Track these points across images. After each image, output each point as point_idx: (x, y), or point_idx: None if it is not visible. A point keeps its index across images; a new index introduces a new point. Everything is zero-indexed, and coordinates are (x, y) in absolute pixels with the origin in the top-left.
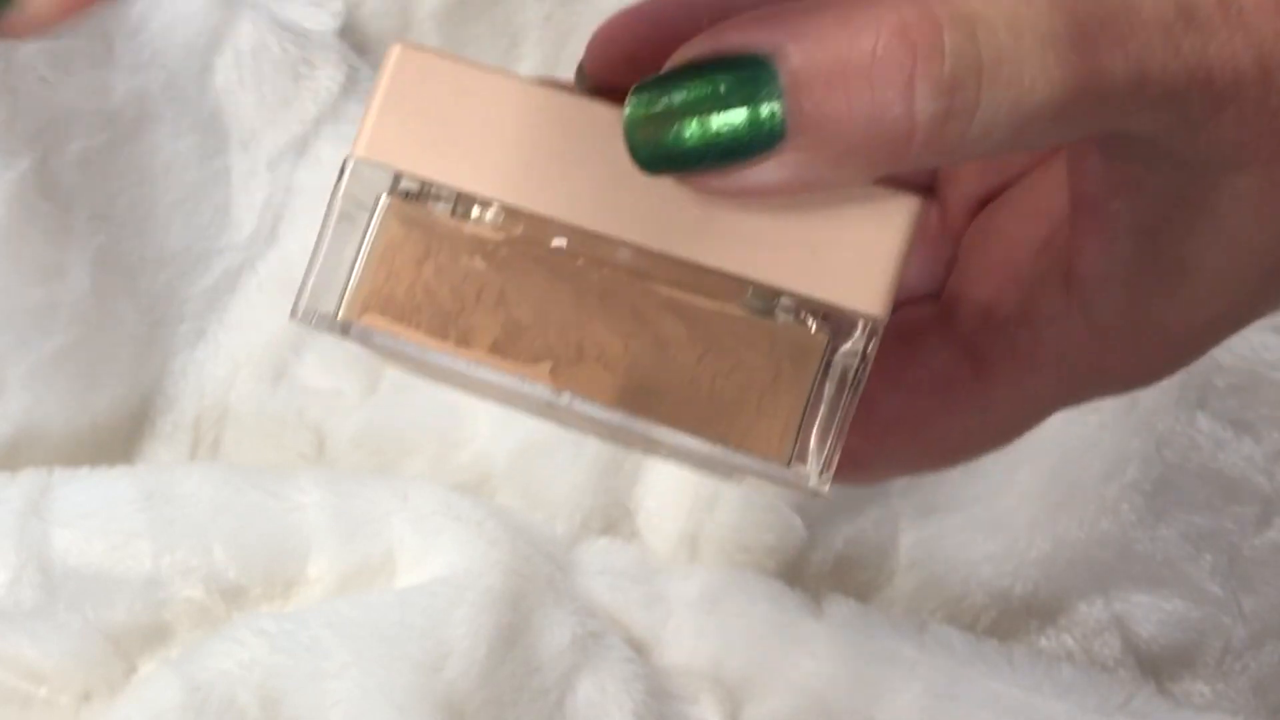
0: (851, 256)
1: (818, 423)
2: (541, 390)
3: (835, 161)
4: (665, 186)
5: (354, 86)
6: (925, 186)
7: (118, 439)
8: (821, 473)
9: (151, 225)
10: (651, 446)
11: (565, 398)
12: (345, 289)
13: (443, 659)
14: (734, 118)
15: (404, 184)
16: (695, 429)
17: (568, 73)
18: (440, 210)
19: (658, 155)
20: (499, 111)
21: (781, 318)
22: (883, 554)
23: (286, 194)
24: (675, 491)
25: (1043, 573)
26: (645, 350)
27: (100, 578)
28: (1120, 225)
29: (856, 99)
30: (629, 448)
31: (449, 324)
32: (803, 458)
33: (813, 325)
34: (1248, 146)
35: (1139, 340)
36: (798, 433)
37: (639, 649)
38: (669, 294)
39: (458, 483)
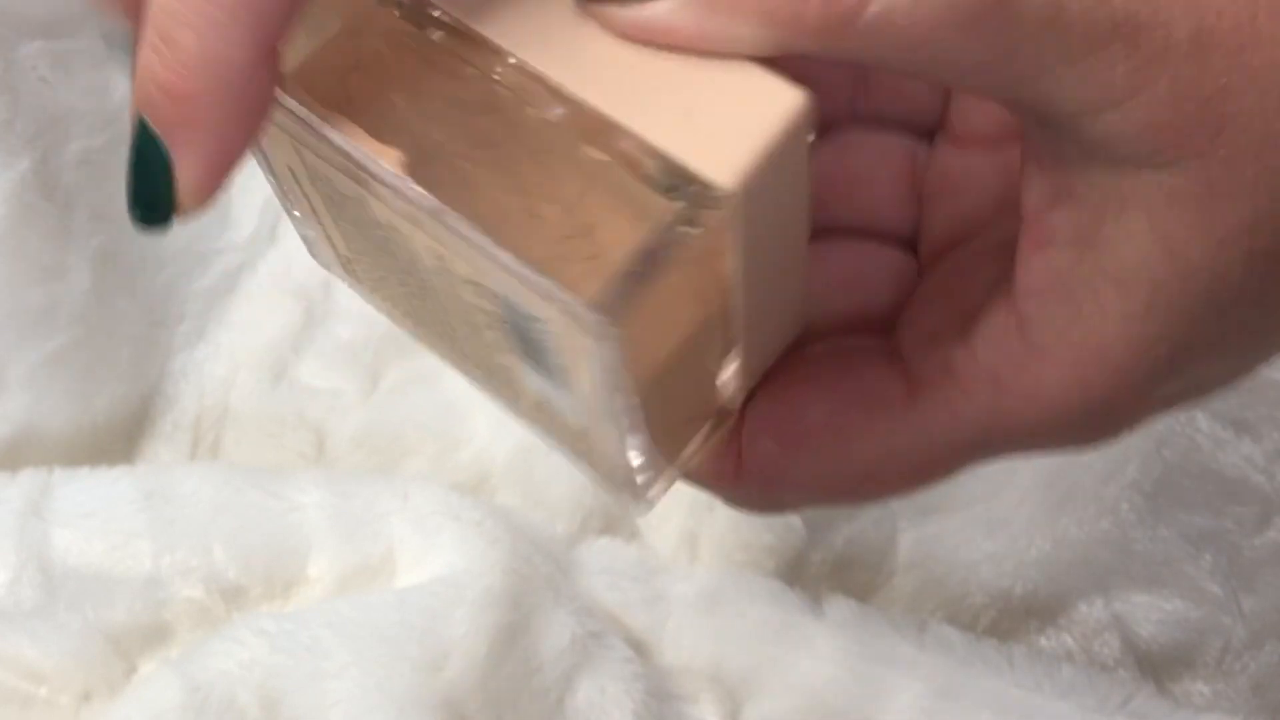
0: (722, 129)
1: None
2: (389, 176)
3: (730, 13)
4: (583, 28)
5: None
6: (908, 239)
7: (118, 439)
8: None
9: None
10: (509, 386)
11: (406, 184)
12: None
13: (443, 659)
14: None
15: None
16: (509, 248)
17: None
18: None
19: None
20: None
21: (643, 182)
22: (882, 554)
23: None
24: (675, 491)
25: (1042, 573)
26: (494, 166)
27: (100, 578)
28: (1059, 237)
29: None
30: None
31: (339, 98)
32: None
33: (675, 196)
34: (1180, 134)
35: (1076, 363)
36: (619, 289)
37: (639, 649)
38: (542, 119)
39: (458, 483)
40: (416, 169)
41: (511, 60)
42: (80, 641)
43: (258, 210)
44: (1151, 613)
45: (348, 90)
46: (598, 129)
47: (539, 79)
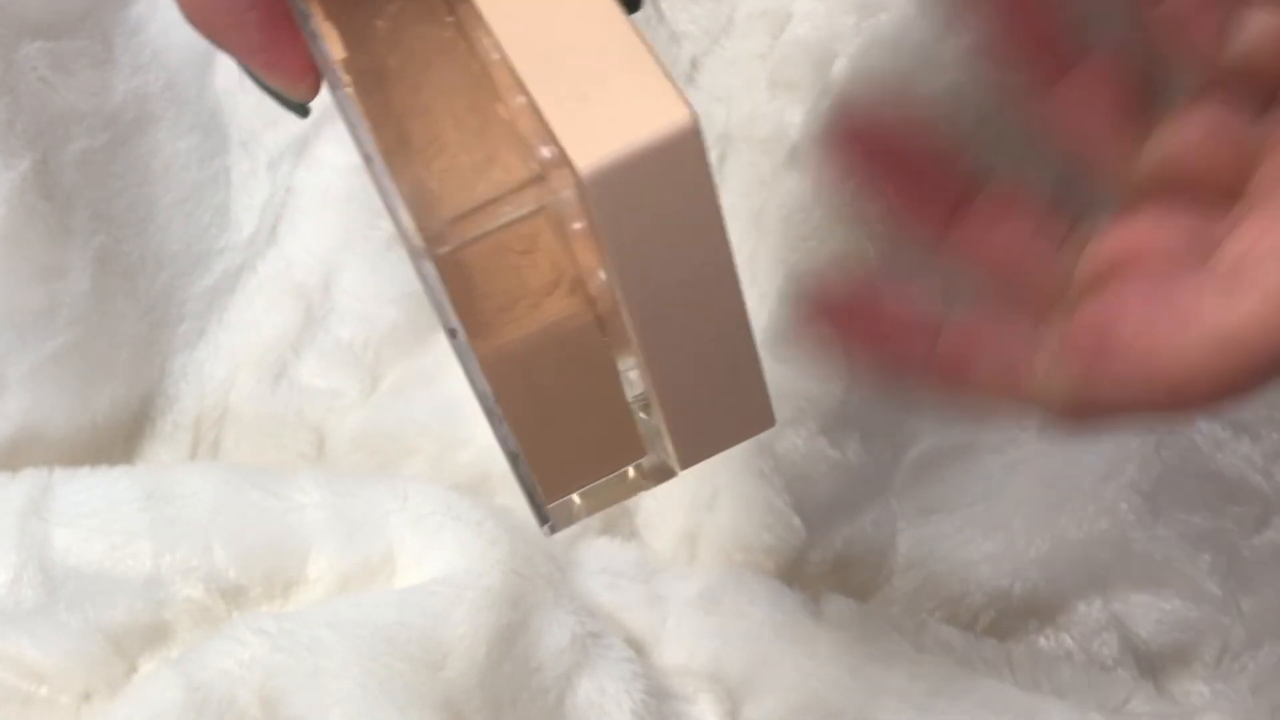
0: (609, 122)
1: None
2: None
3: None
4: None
5: None
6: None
7: (118, 439)
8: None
9: (151, 225)
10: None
11: (346, 93)
12: None
13: (443, 658)
14: None
15: None
16: (410, 178)
17: None
18: None
19: None
20: None
21: (527, 140)
22: (881, 554)
23: (287, 194)
24: (675, 491)
25: (1041, 572)
26: (424, 90)
27: (100, 577)
28: None
29: None
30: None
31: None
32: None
33: (541, 161)
34: None
35: None
36: (452, 217)
37: (638, 649)
38: (482, 64)
39: (458, 483)
40: (360, 73)
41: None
42: (80, 641)
43: (258, 210)
44: (1150, 612)
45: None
46: (514, 87)
47: (489, 30)
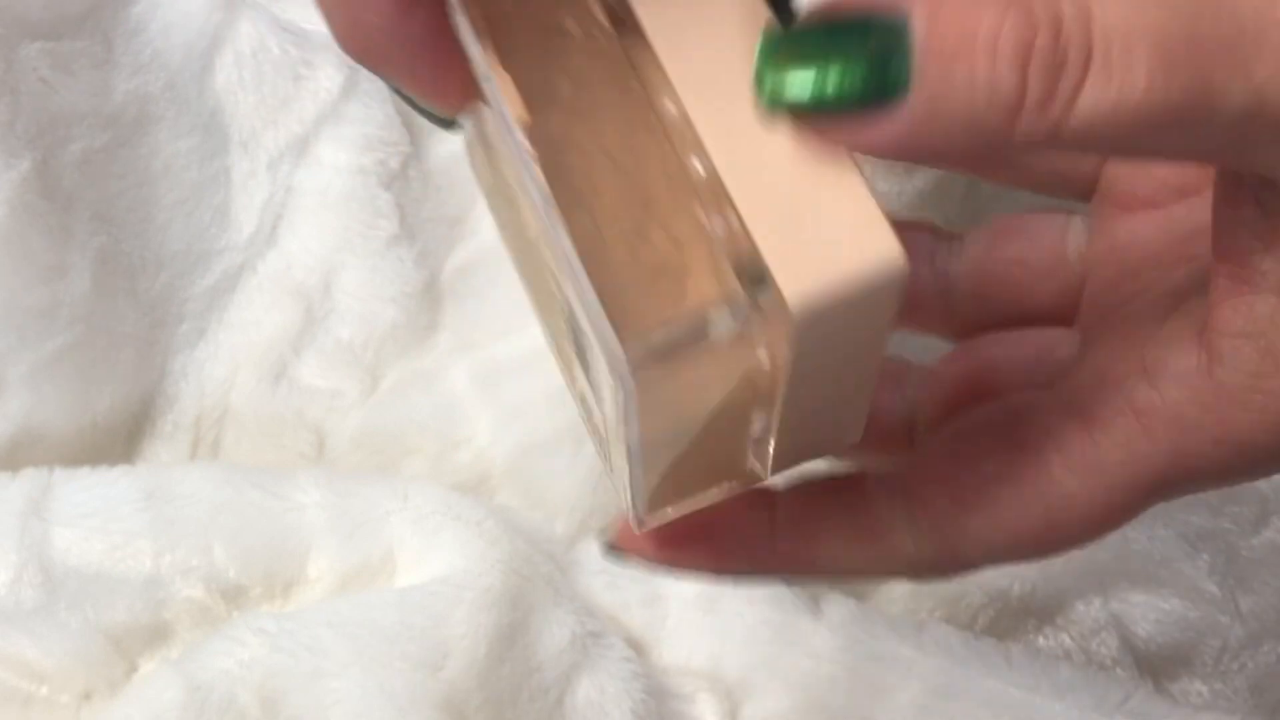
0: (817, 253)
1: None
2: (511, 122)
3: (945, 130)
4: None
5: (354, 87)
6: (1088, 185)
7: (118, 439)
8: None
9: (151, 225)
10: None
11: (516, 135)
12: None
13: (443, 659)
14: (860, 75)
15: None
16: (587, 261)
17: None
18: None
19: (780, 99)
20: None
21: (731, 258)
22: None
23: (286, 194)
24: None
25: (1040, 572)
26: (620, 174)
27: (100, 577)
28: (1265, 283)
29: (978, 69)
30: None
31: (501, 34)
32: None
33: (746, 287)
34: None
35: (1268, 409)
36: (655, 350)
37: (638, 648)
38: (679, 162)
39: (458, 483)
40: (545, 148)
41: (675, 98)
42: (81, 641)
43: (258, 210)
44: (1149, 612)
45: (521, 41)
46: (720, 195)
47: (691, 126)
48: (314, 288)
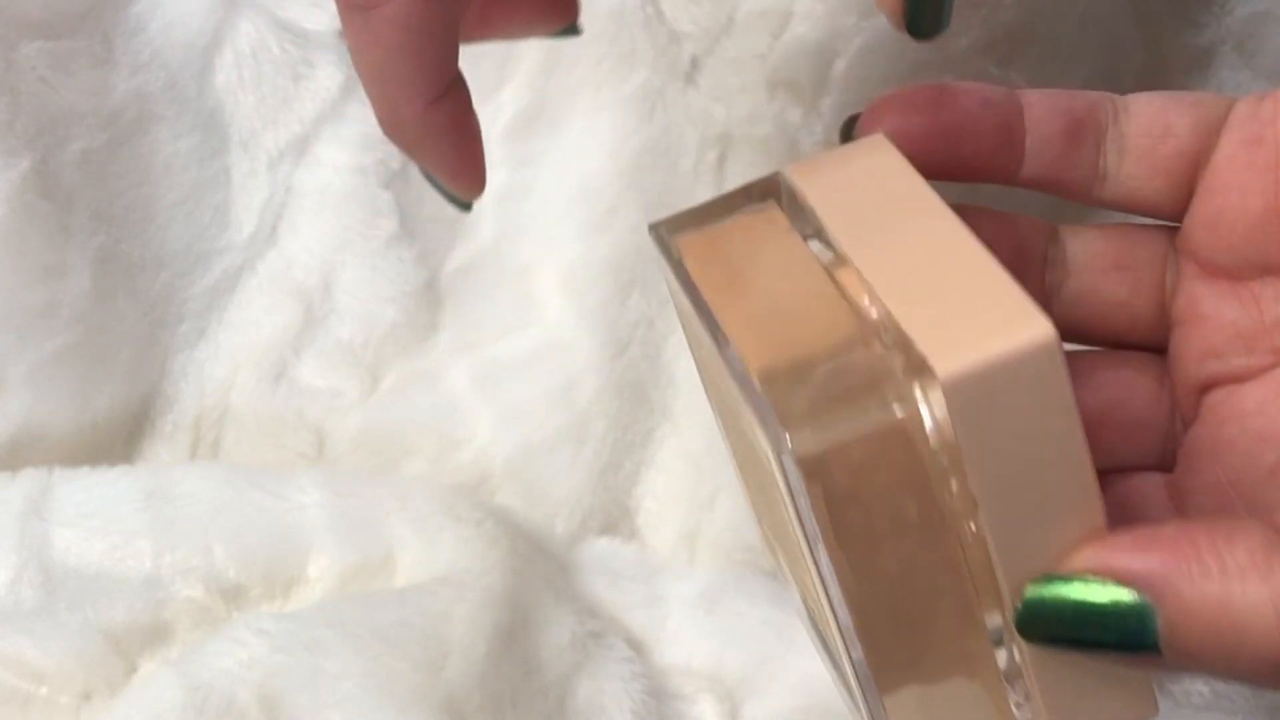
0: (966, 338)
1: None
2: (739, 376)
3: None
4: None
5: (354, 87)
6: (1155, 347)
7: (118, 439)
8: None
9: (151, 225)
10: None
11: (737, 383)
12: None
13: (443, 658)
14: (1111, 638)
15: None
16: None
17: (564, 73)
18: (799, 230)
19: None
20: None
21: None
22: None
23: (286, 194)
24: (675, 491)
25: None
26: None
27: (100, 577)
28: None
29: (1227, 640)
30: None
31: (723, 281)
32: None
33: (903, 368)
34: None
35: None
36: (817, 421)
37: (638, 648)
38: (859, 305)
39: (458, 483)
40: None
41: (847, 263)
42: (80, 641)
43: (258, 210)
44: None
45: (730, 271)
46: (885, 320)
47: (867, 283)
48: (314, 288)
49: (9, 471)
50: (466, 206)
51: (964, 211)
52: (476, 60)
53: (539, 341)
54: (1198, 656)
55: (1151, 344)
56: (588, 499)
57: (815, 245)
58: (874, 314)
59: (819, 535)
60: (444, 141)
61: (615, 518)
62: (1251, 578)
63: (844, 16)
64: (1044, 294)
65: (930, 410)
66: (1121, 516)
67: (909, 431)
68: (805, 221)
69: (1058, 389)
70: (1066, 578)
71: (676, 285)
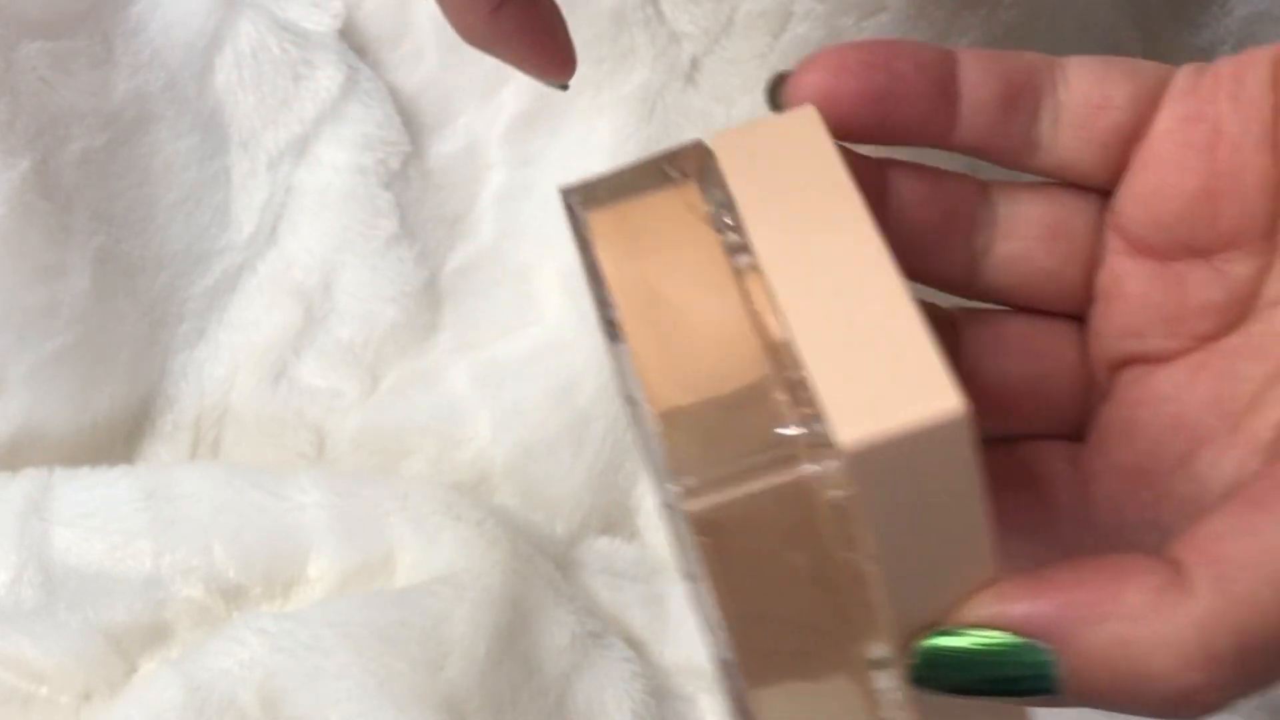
0: (876, 402)
1: None
2: (639, 401)
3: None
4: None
5: (353, 87)
6: (1077, 315)
7: (118, 439)
8: None
9: (151, 225)
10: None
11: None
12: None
13: (443, 658)
14: (1011, 678)
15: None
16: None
17: None
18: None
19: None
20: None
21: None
22: None
23: (286, 194)
24: None
25: None
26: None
27: (100, 577)
28: None
29: (1127, 683)
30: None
31: (633, 277)
32: None
33: (804, 431)
34: None
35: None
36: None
37: (638, 648)
38: (765, 328)
39: (458, 483)
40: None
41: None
42: (80, 641)
43: (258, 210)
44: None
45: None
46: (790, 359)
47: (776, 304)
48: (314, 288)
49: (9, 471)
50: (563, 86)
51: (893, 166)
52: (477, 60)
53: (539, 341)
54: (1100, 697)
55: (1077, 313)
56: (588, 499)
57: (730, 238)
58: (779, 337)
59: (709, 579)
60: (515, 40)
61: (615, 518)
62: (1148, 619)
63: (844, 16)
64: (970, 258)
65: (830, 470)
66: (1022, 483)
67: (808, 488)
68: (721, 207)
69: (963, 462)
70: (959, 630)
71: (583, 261)
